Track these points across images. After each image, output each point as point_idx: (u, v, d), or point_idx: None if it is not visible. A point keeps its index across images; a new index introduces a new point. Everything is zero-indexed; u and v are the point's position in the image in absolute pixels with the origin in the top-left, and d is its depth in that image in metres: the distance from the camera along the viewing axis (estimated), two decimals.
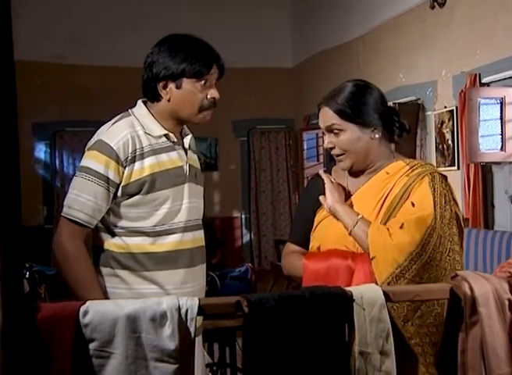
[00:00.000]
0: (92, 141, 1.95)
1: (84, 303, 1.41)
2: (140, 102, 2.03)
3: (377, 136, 1.86)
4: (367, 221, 1.80)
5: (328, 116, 1.87)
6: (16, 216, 1.04)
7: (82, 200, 1.88)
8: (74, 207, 1.89)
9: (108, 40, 7.78)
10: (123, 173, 1.90)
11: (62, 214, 1.92)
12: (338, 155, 1.89)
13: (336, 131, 1.85)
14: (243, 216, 8.87)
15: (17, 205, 1.05)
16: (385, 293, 1.48)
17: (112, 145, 1.88)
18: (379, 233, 1.75)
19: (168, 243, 1.96)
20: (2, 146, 1.00)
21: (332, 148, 1.89)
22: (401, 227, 1.74)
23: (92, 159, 1.90)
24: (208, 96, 1.96)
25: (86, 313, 1.39)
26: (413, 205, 1.78)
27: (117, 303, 1.45)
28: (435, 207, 1.78)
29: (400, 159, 1.91)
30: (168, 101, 1.96)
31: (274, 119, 8.73)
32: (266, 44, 8.41)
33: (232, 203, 8.83)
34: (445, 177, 1.89)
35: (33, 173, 7.77)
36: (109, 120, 2.00)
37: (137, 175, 1.91)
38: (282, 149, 8.93)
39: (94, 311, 1.39)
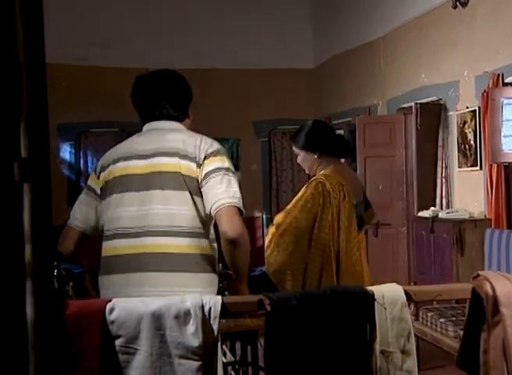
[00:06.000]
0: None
1: (110, 300, 1.45)
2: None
3: (315, 156, 2.96)
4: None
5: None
6: (47, 216, 1.07)
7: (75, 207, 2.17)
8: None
9: (129, 41, 7.84)
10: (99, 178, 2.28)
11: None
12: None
13: (296, 153, 3.06)
14: (264, 216, 8.87)
15: (48, 206, 1.07)
16: (406, 292, 1.49)
17: None
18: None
19: (115, 247, 1.99)
20: (34, 147, 1.03)
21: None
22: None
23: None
24: None
25: (112, 310, 1.42)
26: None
27: (142, 301, 1.48)
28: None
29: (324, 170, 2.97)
30: None
31: (295, 120, 8.68)
32: (287, 45, 8.40)
33: (253, 203, 8.83)
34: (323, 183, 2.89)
35: (59, 173, 7.87)
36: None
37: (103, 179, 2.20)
38: None
39: (119, 308, 1.42)
